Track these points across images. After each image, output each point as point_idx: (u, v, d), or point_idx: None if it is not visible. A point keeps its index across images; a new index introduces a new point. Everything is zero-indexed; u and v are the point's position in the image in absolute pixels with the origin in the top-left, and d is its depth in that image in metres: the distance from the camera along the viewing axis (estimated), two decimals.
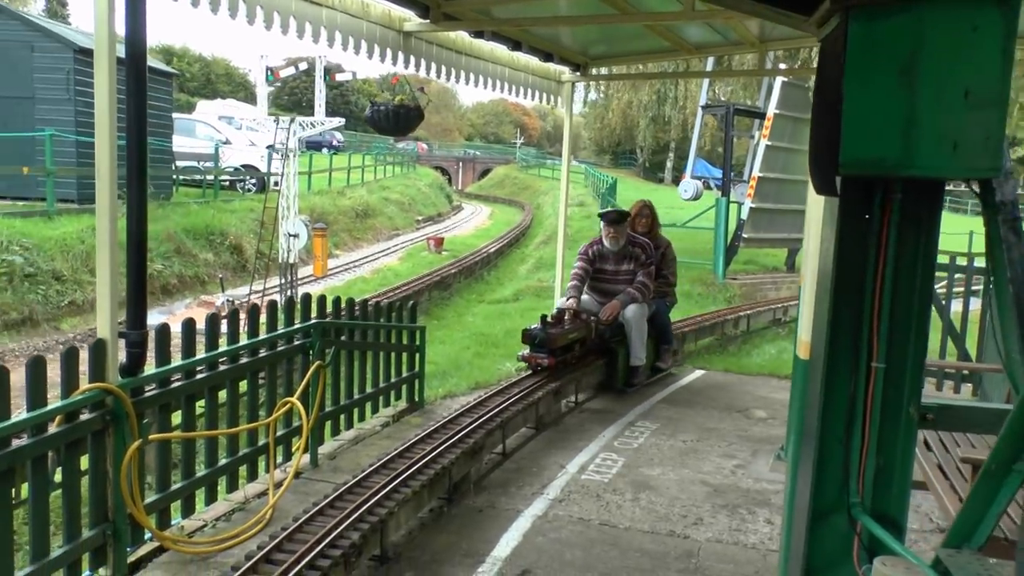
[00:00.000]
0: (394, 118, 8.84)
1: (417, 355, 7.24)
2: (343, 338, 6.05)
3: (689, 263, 16.23)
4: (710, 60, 13.85)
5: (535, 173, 49.01)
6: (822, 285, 2.61)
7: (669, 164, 54.79)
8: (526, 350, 6.96)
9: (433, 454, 4.92)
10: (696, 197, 17.11)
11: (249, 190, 24.46)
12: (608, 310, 7.72)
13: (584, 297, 7.92)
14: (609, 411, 7.36)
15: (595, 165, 50.45)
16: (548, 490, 5.31)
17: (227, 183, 24.43)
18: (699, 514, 5.01)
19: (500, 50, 7.97)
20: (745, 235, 15.86)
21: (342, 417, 6.18)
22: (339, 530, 3.78)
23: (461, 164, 64.15)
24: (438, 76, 7.62)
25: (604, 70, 10.11)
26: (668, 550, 4.50)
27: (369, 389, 6.58)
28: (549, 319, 7.03)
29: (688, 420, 7.13)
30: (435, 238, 24.35)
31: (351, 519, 3.96)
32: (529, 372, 7.02)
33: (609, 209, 8.12)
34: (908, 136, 2.18)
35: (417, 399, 7.25)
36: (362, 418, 6.55)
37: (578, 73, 8.96)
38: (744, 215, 15.89)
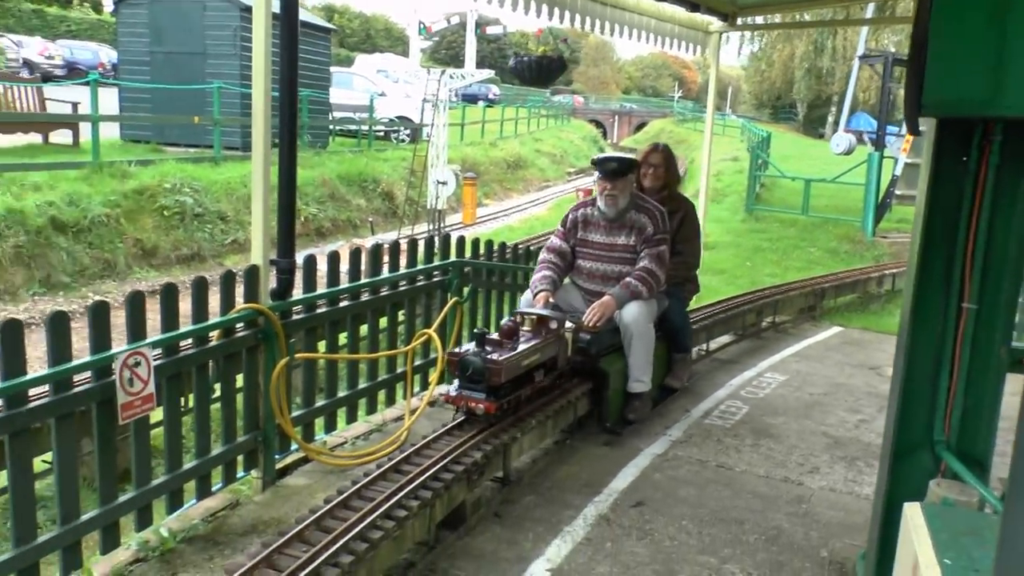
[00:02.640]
0: (536, 68, 9.01)
1: None
2: (480, 278, 6.35)
3: (837, 219, 15.73)
4: (870, 7, 13.24)
5: (691, 127, 48.00)
6: (915, 225, 2.66)
7: (830, 118, 52.42)
8: (452, 386, 4.27)
9: (559, 388, 5.15)
10: (848, 151, 16.44)
11: (403, 140, 25.18)
12: (594, 312, 5.05)
13: (559, 295, 5.31)
14: (737, 361, 7.39)
15: (754, 120, 48.90)
16: (670, 431, 5.47)
17: (381, 133, 25.24)
18: (816, 463, 5.06)
19: (645, 1, 7.97)
20: (898, 192, 15.17)
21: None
22: (462, 449, 4.07)
23: (617, 117, 63.52)
24: (583, 27, 7.71)
25: (755, 19, 9.88)
26: (780, 494, 4.59)
27: None
28: (494, 334, 4.48)
29: (818, 375, 7.09)
30: (585, 189, 24.41)
31: (474, 441, 4.25)
32: (458, 421, 4.35)
33: (606, 155, 5.50)
34: (998, 76, 2.19)
35: None
36: None
37: (726, 23, 8.83)
38: (898, 171, 15.22)
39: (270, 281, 4.27)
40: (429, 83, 14.40)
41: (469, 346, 4.26)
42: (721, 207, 18.00)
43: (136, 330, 3.51)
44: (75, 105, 15.56)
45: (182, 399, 3.98)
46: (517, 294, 6.97)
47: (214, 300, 3.98)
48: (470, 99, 40.15)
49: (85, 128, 14.23)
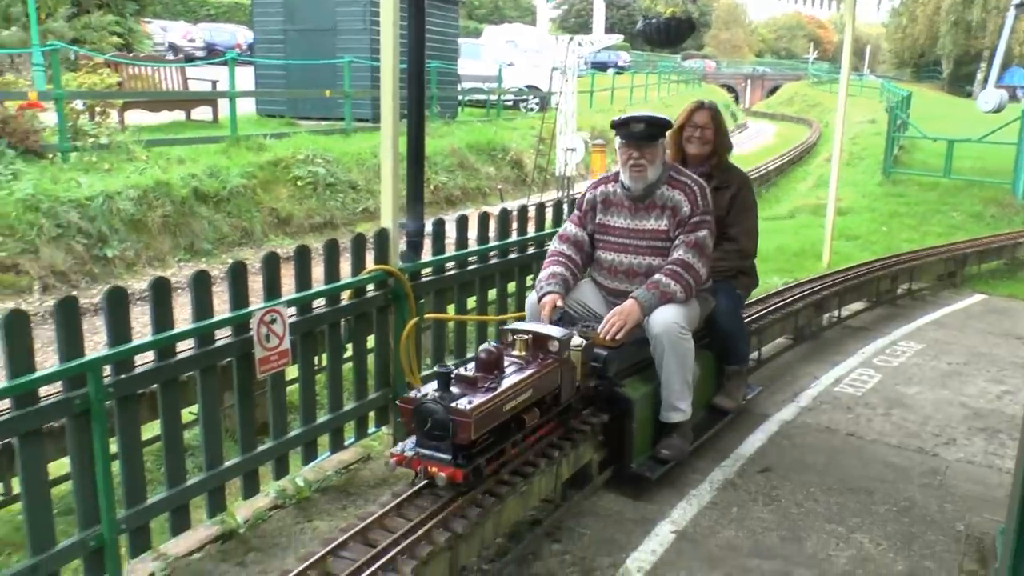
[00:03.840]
0: (665, 30, 8.81)
1: None
2: None
3: (982, 182, 14.86)
4: None
5: (826, 90, 46.18)
6: None
7: (978, 75, 49.27)
8: (408, 442, 3.12)
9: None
10: (999, 109, 15.32)
11: (532, 109, 25.22)
12: (612, 321, 3.87)
13: (575, 293, 4.20)
14: (870, 329, 7.14)
15: (894, 80, 46.59)
16: (799, 398, 5.35)
17: (510, 103, 25.35)
18: (952, 435, 4.87)
19: None
20: None
21: None
22: (589, 409, 4.09)
23: (749, 81, 61.79)
24: None
25: None
26: (913, 465, 4.45)
27: None
28: (465, 368, 3.14)
29: (957, 343, 6.77)
30: None
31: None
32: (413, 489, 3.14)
33: (630, 114, 4.23)
34: None
35: None
36: None
37: None
38: None
39: (400, 245, 4.40)
40: (557, 51, 14.36)
41: (430, 387, 2.99)
42: (856, 171, 17.27)
43: (272, 289, 3.69)
44: (214, 83, 16.38)
45: (316, 357, 4.16)
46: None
47: (346, 266, 4.13)
48: (599, 67, 39.75)
49: (223, 105, 14.90)
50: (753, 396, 5.09)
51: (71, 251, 9.09)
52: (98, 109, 12.69)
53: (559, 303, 3.96)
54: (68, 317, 2.92)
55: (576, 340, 3.51)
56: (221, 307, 3.53)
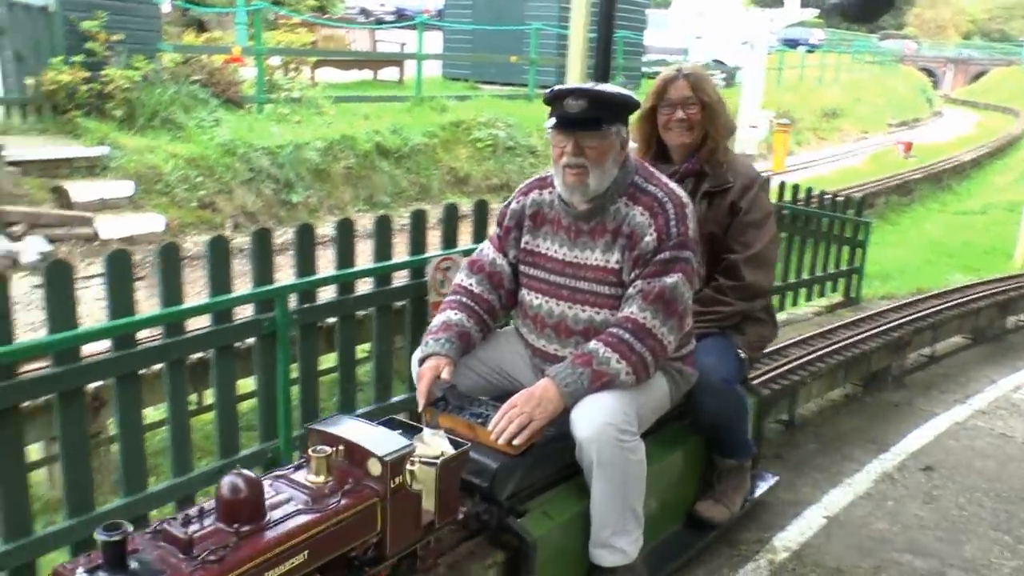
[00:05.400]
0: (861, 4, 8.38)
1: (859, 250, 7.09)
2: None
3: None
4: None
5: None
6: None
7: None
8: None
9: (854, 339, 4.94)
10: None
11: (717, 84, 24.66)
12: (510, 415, 2.48)
13: (486, 350, 2.90)
14: None
15: None
16: (972, 400, 5.09)
17: None
18: None
19: None
20: None
21: (774, 298, 6.36)
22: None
23: (951, 65, 57.83)
24: None
25: None
26: None
27: (805, 276, 6.66)
28: (186, 517, 1.80)
29: None
30: (904, 142, 22.66)
31: (761, 380, 4.19)
32: None
33: (567, 85, 2.78)
34: None
35: (853, 294, 7.14)
36: (795, 303, 6.68)
37: None
38: None
39: None
40: (747, 25, 13.97)
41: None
42: None
43: (449, 239, 3.81)
44: (402, 45, 16.92)
45: None
46: (821, 244, 6.68)
47: None
48: (790, 43, 38.18)
49: (410, 66, 15.36)
50: (764, 492, 3.61)
51: (260, 194, 9.70)
52: (292, 65, 13.43)
53: (445, 373, 2.63)
54: (263, 247, 3.17)
55: (430, 449, 2.24)
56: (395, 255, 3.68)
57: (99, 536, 1.61)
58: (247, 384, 3.48)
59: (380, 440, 2.08)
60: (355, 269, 3.44)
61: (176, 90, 10.38)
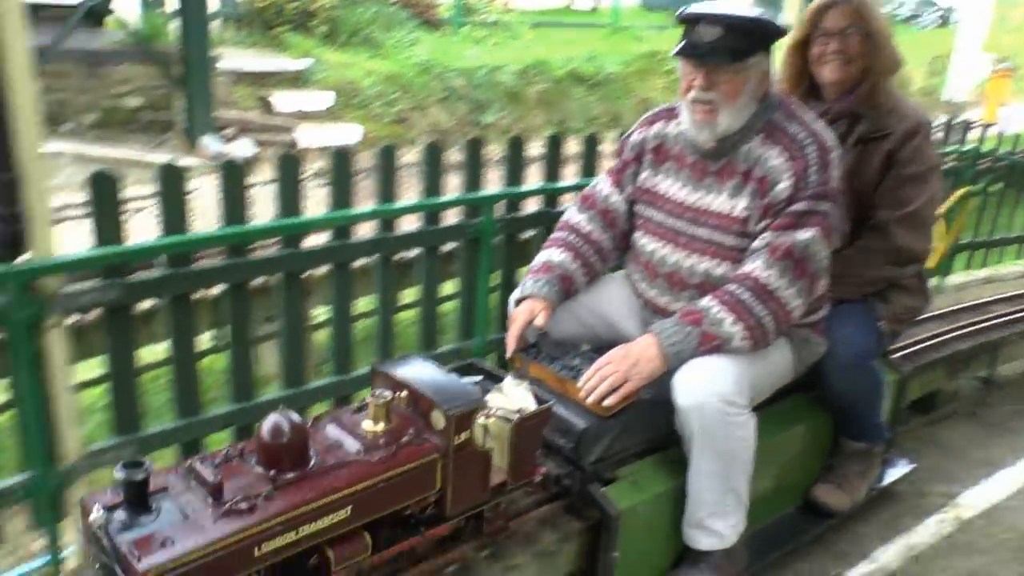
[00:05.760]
0: None
1: None
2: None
3: None
4: None
5: None
6: None
7: None
8: None
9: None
10: None
11: (927, 25, 23.25)
12: (602, 374, 2.24)
13: (590, 295, 2.63)
14: None
15: None
16: None
17: (905, 16, 23.53)
18: None
19: None
20: None
21: (977, 253, 6.05)
22: (944, 339, 3.86)
23: None
24: None
25: None
26: None
27: (1015, 233, 6.29)
28: (224, 456, 1.71)
29: None
30: None
31: (961, 333, 4.00)
32: None
33: (700, 8, 2.25)
34: None
35: None
36: (999, 260, 6.32)
37: None
38: None
39: None
40: None
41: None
42: None
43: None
44: None
45: None
46: None
47: None
48: None
49: None
50: (894, 480, 3.17)
51: (453, 113, 9.96)
52: None
53: (539, 318, 2.41)
54: (474, 155, 3.30)
55: (509, 401, 2.04)
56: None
57: (118, 474, 1.50)
58: (445, 288, 3.67)
59: (448, 390, 1.86)
60: (560, 184, 3.53)
61: (376, 10, 10.76)
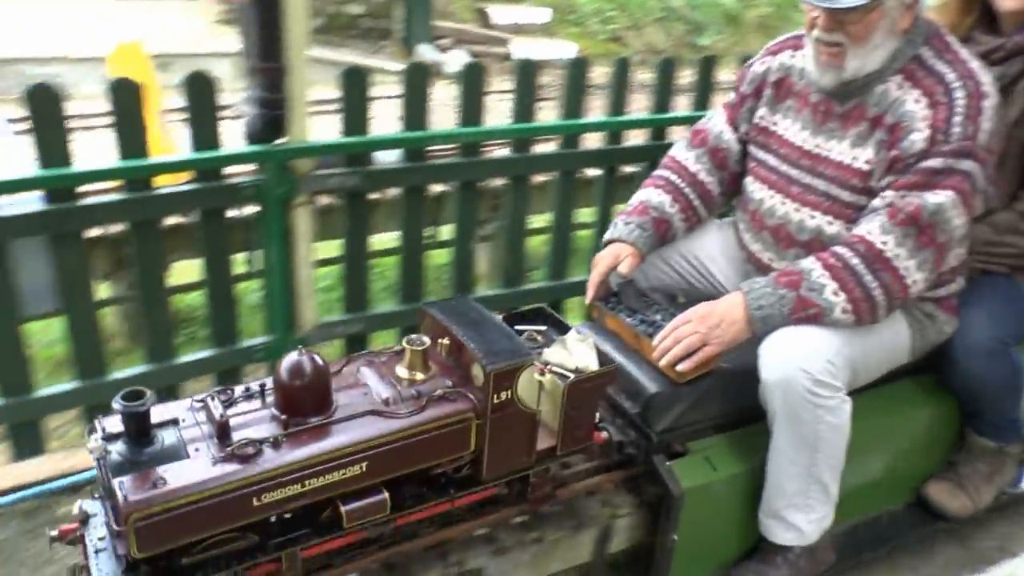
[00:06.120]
0: None
1: None
2: None
3: None
4: None
5: None
6: None
7: None
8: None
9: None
10: None
11: None
12: (677, 334, 1.97)
13: (691, 242, 2.38)
14: None
15: None
16: None
17: None
18: None
19: None
20: None
21: None
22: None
23: None
24: None
25: None
26: None
27: None
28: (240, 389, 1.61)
29: None
30: None
31: None
32: None
33: None
34: None
35: None
36: None
37: None
38: None
39: None
40: None
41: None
42: None
43: None
44: None
45: None
46: None
47: None
48: None
49: None
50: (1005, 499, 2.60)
51: (670, 34, 9.77)
52: None
53: (624, 265, 2.15)
54: (666, 77, 3.38)
55: (570, 357, 1.80)
56: None
57: (116, 405, 1.39)
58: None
59: (492, 342, 1.64)
60: (622, 118, 3.42)
61: None
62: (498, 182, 3.28)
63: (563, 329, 1.92)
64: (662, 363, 1.97)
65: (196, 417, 1.52)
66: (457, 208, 3.15)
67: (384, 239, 3.81)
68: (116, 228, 3.14)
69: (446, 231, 3.51)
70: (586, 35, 9.29)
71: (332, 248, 3.49)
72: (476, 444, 1.64)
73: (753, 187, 2.23)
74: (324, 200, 3.31)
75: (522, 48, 8.57)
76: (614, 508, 2.00)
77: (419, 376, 1.65)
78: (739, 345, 1.95)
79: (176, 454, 1.43)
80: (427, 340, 1.67)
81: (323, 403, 1.55)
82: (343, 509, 1.54)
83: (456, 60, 8.14)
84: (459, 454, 1.65)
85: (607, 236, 2.25)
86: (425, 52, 8.20)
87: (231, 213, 2.83)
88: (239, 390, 1.59)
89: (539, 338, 1.89)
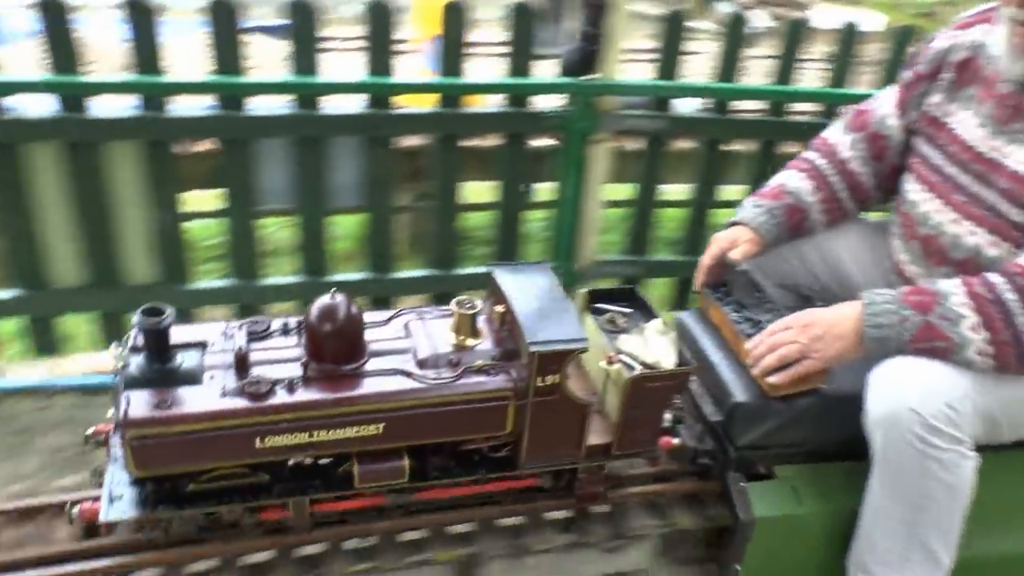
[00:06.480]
0: None
1: None
2: None
3: None
4: None
5: None
6: None
7: None
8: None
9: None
10: None
11: None
12: (774, 341, 1.66)
13: (832, 240, 2.00)
14: None
15: None
16: None
17: None
18: None
19: None
20: None
21: None
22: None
23: None
24: None
25: None
26: None
27: None
28: (277, 325, 1.54)
29: None
30: None
31: None
32: None
33: None
34: None
35: None
36: None
37: None
38: None
39: None
40: None
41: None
42: None
43: None
44: None
45: None
46: None
47: None
48: None
49: None
50: None
51: None
52: None
53: (738, 251, 1.87)
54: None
55: (645, 349, 1.60)
56: None
57: (136, 319, 1.34)
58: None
59: (547, 319, 1.46)
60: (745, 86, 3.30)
61: None
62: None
63: (649, 316, 1.70)
64: (754, 371, 1.71)
65: (224, 344, 1.46)
66: (756, 168, 3.15)
67: (673, 189, 3.57)
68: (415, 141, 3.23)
69: (735, 191, 3.29)
70: (896, 7, 8.76)
71: (619, 192, 3.44)
72: (514, 427, 1.49)
73: (910, 186, 1.87)
74: (625, 143, 3.26)
75: (823, 15, 8.23)
76: (670, 523, 1.76)
77: (468, 342, 1.51)
78: (852, 364, 1.65)
79: (192, 378, 1.37)
80: (479, 304, 1.53)
81: (351, 353, 1.44)
82: (356, 468, 1.46)
83: (757, 21, 7.98)
84: (492, 434, 1.50)
85: (733, 217, 1.97)
86: (724, 10, 8.05)
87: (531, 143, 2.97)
88: (276, 324, 1.51)
89: (619, 322, 1.70)
